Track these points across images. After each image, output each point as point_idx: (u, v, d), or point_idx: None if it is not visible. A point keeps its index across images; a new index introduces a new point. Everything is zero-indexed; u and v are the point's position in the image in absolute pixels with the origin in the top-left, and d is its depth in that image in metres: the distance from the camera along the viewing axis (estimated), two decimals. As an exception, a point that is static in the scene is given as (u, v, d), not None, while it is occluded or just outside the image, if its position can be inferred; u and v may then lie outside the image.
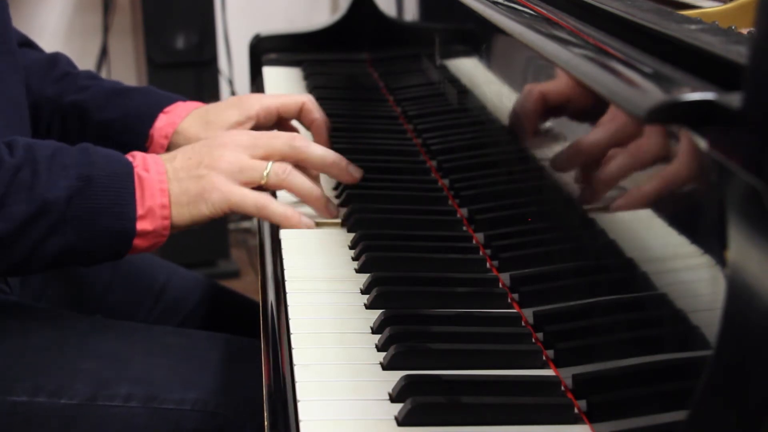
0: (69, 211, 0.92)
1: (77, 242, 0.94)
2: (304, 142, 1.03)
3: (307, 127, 1.20)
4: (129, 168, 0.96)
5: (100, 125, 1.19)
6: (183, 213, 0.97)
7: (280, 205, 1.01)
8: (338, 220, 1.05)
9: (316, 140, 1.19)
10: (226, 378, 1.00)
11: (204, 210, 0.98)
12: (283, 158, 1.02)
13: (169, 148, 1.17)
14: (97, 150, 0.97)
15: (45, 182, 0.92)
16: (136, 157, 0.98)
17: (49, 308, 1.10)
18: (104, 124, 1.19)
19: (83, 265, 1.00)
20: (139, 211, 0.95)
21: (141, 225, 0.95)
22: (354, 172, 1.06)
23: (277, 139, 1.03)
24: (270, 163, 1.00)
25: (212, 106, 1.21)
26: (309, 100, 1.19)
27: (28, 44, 1.28)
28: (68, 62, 1.28)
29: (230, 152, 1.00)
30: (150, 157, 0.99)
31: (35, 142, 0.96)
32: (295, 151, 1.02)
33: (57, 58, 1.27)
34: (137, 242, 0.96)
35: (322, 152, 1.04)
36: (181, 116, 1.18)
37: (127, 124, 1.18)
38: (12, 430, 0.96)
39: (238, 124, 1.16)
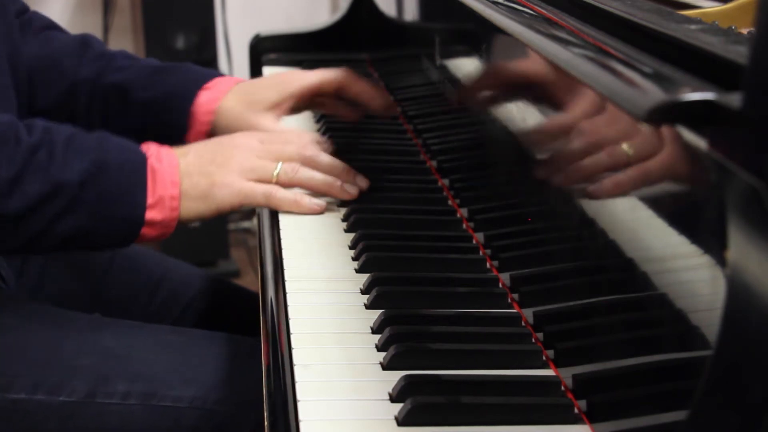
0: (81, 194, 0.94)
1: (87, 226, 0.95)
2: (314, 150, 1.06)
3: (354, 101, 1.21)
4: (142, 158, 0.98)
5: (143, 105, 1.20)
6: (191, 207, 0.99)
7: (288, 191, 1.03)
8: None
9: (373, 107, 1.21)
10: (225, 375, 1.00)
11: (212, 205, 1.00)
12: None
13: (211, 126, 1.18)
14: (113, 138, 0.99)
15: (60, 164, 0.94)
16: (150, 148, 1.00)
17: (47, 305, 1.10)
18: (146, 103, 1.20)
19: (90, 249, 1.02)
20: (150, 200, 0.97)
21: (150, 214, 0.97)
22: (361, 183, 1.08)
23: (288, 145, 1.05)
24: (280, 163, 1.03)
25: (253, 84, 1.21)
26: (345, 76, 1.19)
27: (53, 27, 1.29)
28: (101, 43, 1.27)
29: (242, 153, 1.02)
30: (164, 150, 1.01)
31: (53, 125, 0.98)
32: (305, 160, 1.05)
33: (89, 39, 1.27)
34: (145, 231, 0.98)
35: (330, 161, 1.06)
36: (224, 92, 1.18)
37: (168, 102, 1.19)
38: (11, 427, 0.96)
39: (277, 105, 1.17)
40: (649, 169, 0.65)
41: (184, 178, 0.99)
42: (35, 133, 0.95)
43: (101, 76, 1.21)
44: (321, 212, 1.04)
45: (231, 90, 1.18)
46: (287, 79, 1.19)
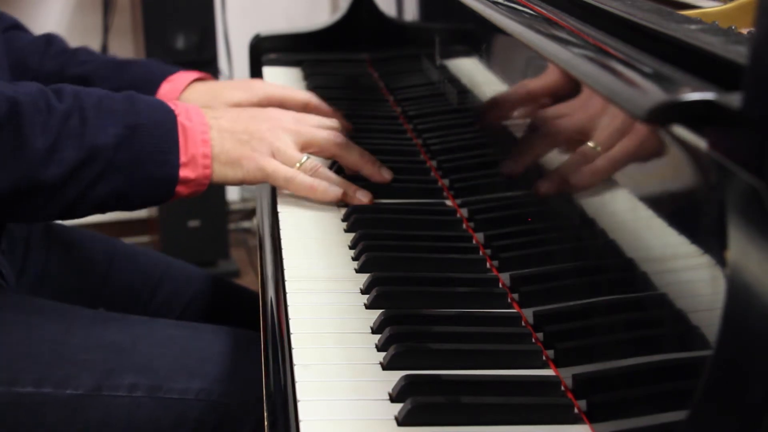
0: (116, 157, 0.96)
1: (123, 188, 0.97)
2: (344, 139, 1.09)
3: None
4: (172, 117, 1.00)
5: None
6: (220, 170, 1.02)
7: (307, 177, 1.05)
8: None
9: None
10: (230, 368, 1.01)
11: (238, 174, 1.03)
12: (320, 151, 1.08)
13: None
14: (142, 98, 1.01)
15: (94, 129, 0.95)
16: (179, 107, 1.02)
17: (52, 301, 1.11)
18: None
19: (126, 209, 1.03)
20: (182, 158, 0.99)
21: (183, 172, 0.99)
22: (385, 174, 1.10)
23: (320, 132, 1.08)
24: (306, 156, 1.05)
25: (218, 83, 1.26)
26: (312, 99, 1.24)
27: (17, 27, 1.31)
28: (63, 41, 1.31)
29: (275, 131, 1.05)
30: (192, 108, 1.03)
31: (82, 89, 1.00)
32: (335, 149, 1.08)
33: (52, 37, 1.31)
34: (179, 189, 1.00)
35: (359, 153, 1.09)
36: (184, 83, 1.23)
37: None
38: (18, 420, 0.97)
39: (239, 104, 1.21)
40: (649, 169, 0.65)
41: (216, 140, 1.01)
42: (65, 99, 0.96)
43: (64, 69, 1.25)
44: (336, 200, 1.06)
45: (195, 84, 1.23)
46: (254, 85, 1.25)
